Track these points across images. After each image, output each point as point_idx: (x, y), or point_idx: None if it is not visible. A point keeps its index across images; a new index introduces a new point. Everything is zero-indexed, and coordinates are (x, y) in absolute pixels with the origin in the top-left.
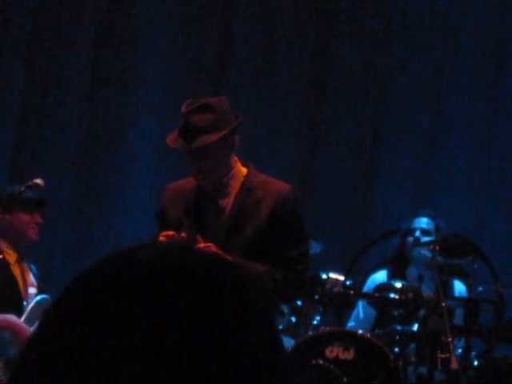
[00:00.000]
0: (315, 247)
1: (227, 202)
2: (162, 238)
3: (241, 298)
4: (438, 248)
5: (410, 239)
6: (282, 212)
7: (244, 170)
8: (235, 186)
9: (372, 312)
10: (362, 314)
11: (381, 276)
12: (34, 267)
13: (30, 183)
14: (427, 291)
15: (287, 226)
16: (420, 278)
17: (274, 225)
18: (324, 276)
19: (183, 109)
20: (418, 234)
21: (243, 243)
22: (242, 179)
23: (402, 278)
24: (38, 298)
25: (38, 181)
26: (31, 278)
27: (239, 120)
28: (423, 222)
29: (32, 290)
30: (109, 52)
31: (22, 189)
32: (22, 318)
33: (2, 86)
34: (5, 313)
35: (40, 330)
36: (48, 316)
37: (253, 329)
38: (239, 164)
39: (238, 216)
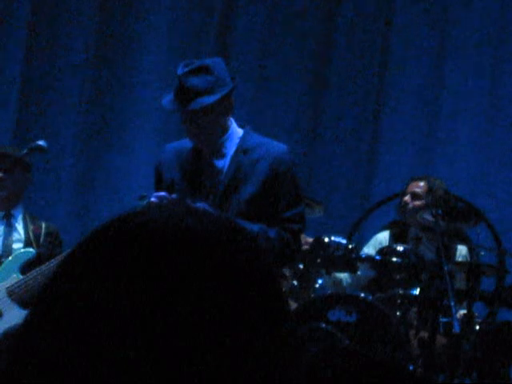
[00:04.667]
0: (318, 211)
1: (223, 164)
2: (153, 199)
3: (248, 258)
4: (440, 212)
5: (404, 201)
6: (278, 173)
7: (240, 131)
8: (231, 148)
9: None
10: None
11: (383, 236)
12: (42, 224)
13: (33, 145)
14: (427, 254)
15: (283, 187)
16: (418, 239)
17: (269, 186)
18: (326, 239)
19: (179, 70)
20: (407, 197)
21: (239, 204)
22: (238, 140)
23: (403, 241)
24: (17, 252)
25: (41, 143)
26: (19, 234)
27: (235, 81)
28: (415, 185)
29: (17, 246)
30: (115, 13)
31: (25, 151)
32: None
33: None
34: None
35: (47, 288)
36: (55, 275)
37: (261, 289)
38: (235, 125)
39: (234, 177)
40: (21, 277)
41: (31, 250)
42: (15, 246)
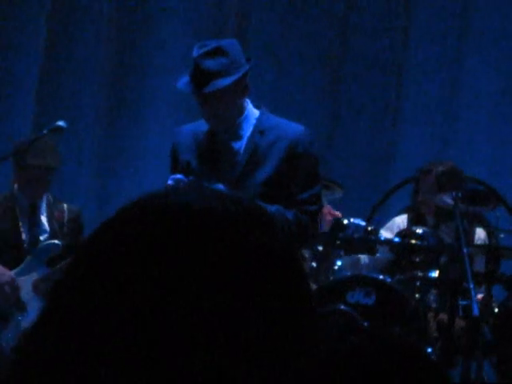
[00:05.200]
0: (338, 193)
1: (240, 145)
2: (169, 182)
3: (270, 238)
4: (459, 195)
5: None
6: (295, 154)
7: (256, 113)
8: (248, 129)
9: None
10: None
11: (401, 220)
12: (65, 209)
13: (52, 126)
14: (446, 238)
15: (299, 168)
16: (436, 225)
17: (286, 167)
18: (346, 221)
19: (194, 52)
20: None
21: (256, 186)
22: (255, 121)
23: (422, 223)
24: (41, 245)
25: (61, 123)
26: (44, 225)
27: (251, 63)
28: (433, 170)
29: (43, 237)
30: None
31: (45, 131)
32: (22, 264)
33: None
34: (7, 258)
35: (71, 267)
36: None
37: (283, 269)
38: (251, 106)
39: (250, 158)
40: (46, 270)
41: (57, 242)
42: (41, 237)
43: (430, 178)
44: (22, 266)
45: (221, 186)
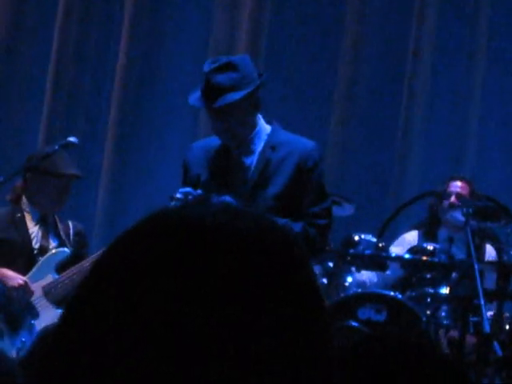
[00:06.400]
0: (348, 209)
1: (251, 160)
2: (178, 195)
3: (282, 251)
4: (471, 212)
5: (446, 203)
6: (306, 169)
7: (268, 128)
8: (259, 144)
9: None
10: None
11: (412, 236)
12: (70, 224)
13: (63, 142)
14: (458, 254)
15: (310, 183)
16: (450, 239)
17: (297, 182)
18: (356, 238)
19: (205, 67)
20: (453, 198)
21: (267, 200)
22: (266, 137)
23: (433, 240)
24: (51, 252)
25: (72, 139)
26: (53, 234)
27: (262, 78)
28: (458, 185)
29: (52, 246)
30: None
31: (56, 147)
32: (32, 270)
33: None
34: (18, 265)
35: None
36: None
37: (296, 282)
38: (263, 122)
39: (262, 174)
40: (56, 276)
41: (66, 249)
42: (51, 246)
43: (458, 184)
44: (32, 272)
45: (228, 198)
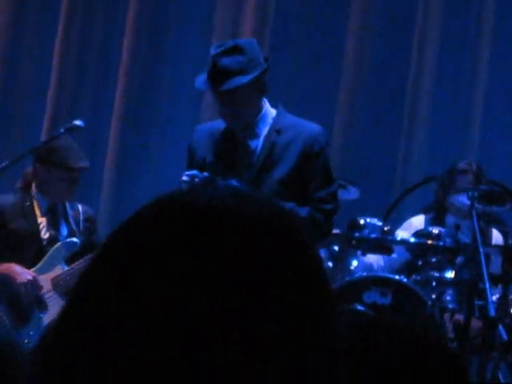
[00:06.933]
0: (354, 192)
1: (256, 144)
2: (184, 178)
3: (288, 235)
4: (476, 195)
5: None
6: (312, 153)
7: (273, 112)
8: (264, 128)
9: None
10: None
11: (418, 221)
12: (80, 209)
13: (69, 125)
14: (465, 240)
15: (316, 167)
16: (457, 226)
17: (302, 166)
18: (362, 221)
19: (212, 51)
20: (458, 176)
21: (272, 184)
22: (272, 121)
23: (440, 225)
24: (60, 243)
25: (78, 122)
26: (63, 224)
27: (269, 62)
28: (465, 169)
29: (62, 236)
30: None
31: (62, 130)
32: (41, 262)
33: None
34: (26, 256)
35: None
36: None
37: (302, 267)
38: (269, 105)
39: (267, 157)
40: (65, 268)
41: (75, 240)
42: (60, 236)
43: (467, 177)
44: (41, 263)
45: (234, 182)
